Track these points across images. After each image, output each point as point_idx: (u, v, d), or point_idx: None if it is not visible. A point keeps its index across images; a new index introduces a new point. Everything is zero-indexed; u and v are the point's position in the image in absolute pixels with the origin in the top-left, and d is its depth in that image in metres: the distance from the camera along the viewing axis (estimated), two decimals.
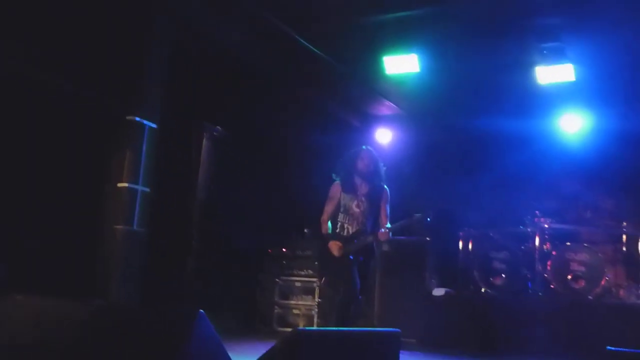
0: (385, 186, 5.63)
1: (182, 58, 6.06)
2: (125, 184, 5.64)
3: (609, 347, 2.81)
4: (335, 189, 5.61)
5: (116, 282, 5.40)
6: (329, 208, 5.59)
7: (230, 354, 3.03)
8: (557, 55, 6.70)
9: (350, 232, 5.46)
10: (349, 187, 5.55)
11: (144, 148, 5.79)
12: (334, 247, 5.39)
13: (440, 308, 7.75)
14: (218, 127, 5.11)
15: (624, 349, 2.79)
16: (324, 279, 6.02)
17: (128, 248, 5.58)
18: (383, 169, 5.65)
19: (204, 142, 5.15)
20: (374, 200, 5.51)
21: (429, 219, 5.45)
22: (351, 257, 5.32)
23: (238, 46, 6.47)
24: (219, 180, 5.83)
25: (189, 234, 4.97)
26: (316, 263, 5.50)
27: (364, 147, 5.77)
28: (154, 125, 5.87)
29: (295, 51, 7.03)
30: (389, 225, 5.48)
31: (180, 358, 2.70)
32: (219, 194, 6.12)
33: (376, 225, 5.53)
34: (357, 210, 5.48)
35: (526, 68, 7.18)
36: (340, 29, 6.97)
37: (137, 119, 5.74)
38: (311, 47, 7.08)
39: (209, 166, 5.19)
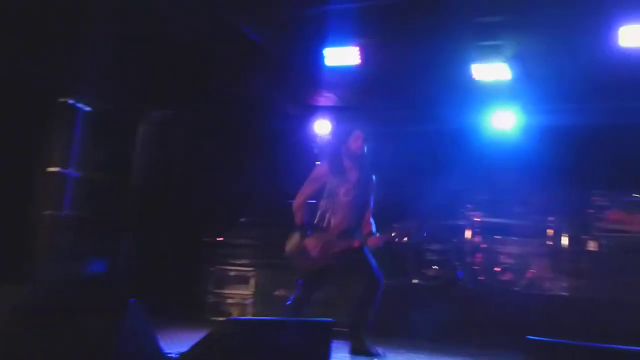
0: (374, 176, 4.88)
1: (119, 38, 5.91)
2: (56, 169, 5.49)
3: (528, 337, 2.94)
4: (321, 169, 4.77)
5: (45, 268, 5.26)
6: (307, 191, 4.69)
7: (162, 343, 3.01)
8: (493, 54, 6.90)
9: (332, 224, 4.61)
10: (337, 170, 4.69)
11: (78, 131, 5.65)
12: (314, 244, 4.53)
13: None
14: (156, 111, 5.01)
15: (543, 338, 2.92)
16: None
17: (58, 233, 5.45)
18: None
19: (141, 125, 5.04)
20: (363, 189, 4.70)
21: (425, 234, 4.92)
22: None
23: (177, 29, 6.36)
24: (156, 166, 5.73)
25: (124, 220, 4.87)
26: (283, 257, 4.48)
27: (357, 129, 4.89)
28: (88, 109, 5.73)
29: (235, 37, 6.96)
30: (375, 231, 4.66)
31: (111, 346, 2.67)
32: (155, 180, 6.03)
33: (361, 220, 4.71)
34: (344, 199, 4.61)
35: (463, 64, 7.35)
36: (282, 18, 6.95)
37: (70, 101, 5.59)
38: (252, 34, 7.04)
39: (146, 151, 5.09)
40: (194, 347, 2.95)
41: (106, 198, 5.91)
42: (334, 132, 5.27)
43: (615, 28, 6.36)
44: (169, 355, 3.31)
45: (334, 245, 4.56)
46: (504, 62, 6.92)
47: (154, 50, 6.35)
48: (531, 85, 7.71)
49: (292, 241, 4.69)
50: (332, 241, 4.57)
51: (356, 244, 4.58)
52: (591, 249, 7.15)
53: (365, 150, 4.78)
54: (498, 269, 7.71)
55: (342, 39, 7.18)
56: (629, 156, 7.79)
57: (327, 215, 4.60)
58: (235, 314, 8.21)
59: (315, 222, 4.63)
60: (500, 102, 8.36)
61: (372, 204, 4.82)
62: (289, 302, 4.69)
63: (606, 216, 4.79)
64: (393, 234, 4.62)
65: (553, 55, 7.01)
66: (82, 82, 5.72)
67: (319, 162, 4.89)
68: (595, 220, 7.42)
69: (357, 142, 4.77)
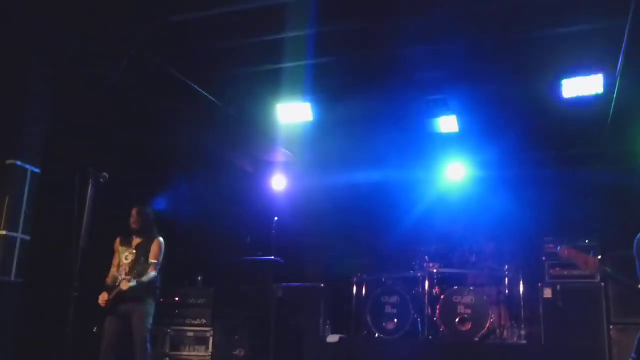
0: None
1: (66, 100, 5.87)
2: (4, 232, 5.34)
3: None
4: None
5: None
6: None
7: None
8: (441, 107, 7.09)
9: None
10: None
11: (26, 194, 5.53)
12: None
13: (334, 354, 7.76)
14: (105, 173, 4.96)
15: None
16: None
17: (4, 300, 5.25)
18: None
19: (90, 188, 4.96)
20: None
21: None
22: None
23: (125, 90, 6.36)
24: (105, 228, 5.62)
25: (71, 285, 4.73)
26: None
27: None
28: (36, 170, 5.63)
29: (186, 95, 6.99)
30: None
31: None
32: (104, 243, 5.90)
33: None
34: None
35: (415, 118, 7.52)
36: (235, 75, 7.03)
37: (19, 163, 5.48)
38: (203, 92, 7.07)
39: (94, 214, 4.99)
40: None
41: (52, 263, 5.75)
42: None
43: (558, 80, 6.62)
44: None
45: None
46: (453, 114, 7.11)
47: (102, 112, 6.33)
48: (479, 137, 7.92)
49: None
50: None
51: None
52: (546, 296, 7.22)
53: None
54: (457, 320, 7.70)
55: (294, 96, 7.28)
56: (577, 203, 8.00)
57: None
58: None
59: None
60: (452, 154, 8.54)
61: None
62: None
63: (559, 253, 4.85)
64: None
65: (499, 107, 7.23)
66: (30, 144, 5.62)
67: None
68: (549, 267, 7.55)
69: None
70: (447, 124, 7.34)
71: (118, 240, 5.99)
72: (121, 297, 5.59)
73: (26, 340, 5.55)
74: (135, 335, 5.64)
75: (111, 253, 6.03)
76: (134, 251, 5.87)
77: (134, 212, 5.95)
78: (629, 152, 7.66)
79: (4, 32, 5.41)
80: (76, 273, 4.54)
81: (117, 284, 5.65)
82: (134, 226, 5.92)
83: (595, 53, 6.12)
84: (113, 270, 5.92)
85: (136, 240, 5.94)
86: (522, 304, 7.92)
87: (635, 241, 4.54)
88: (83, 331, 4.85)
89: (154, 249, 5.87)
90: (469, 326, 7.65)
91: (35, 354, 5.82)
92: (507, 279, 8.20)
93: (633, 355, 4.33)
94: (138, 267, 5.75)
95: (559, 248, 4.86)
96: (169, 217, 8.33)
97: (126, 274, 5.73)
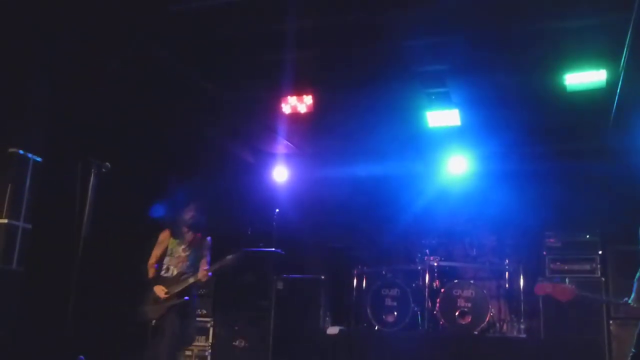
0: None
1: (68, 89, 5.87)
2: (5, 220, 5.35)
3: None
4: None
5: None
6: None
7: None
8: (443, 101, 7.07)
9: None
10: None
11: (28, 182, 5.54)
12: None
13: (334, 346, 7.78)
14: (107, 163, 4.95)
15: None
16: None
17: (5, 288, 5.26)
18: None
19: (92, 178, 4.95)
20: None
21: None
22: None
23: (127, 80, 6.34)
24: (106, 218, 5.62)
25: (72, 274, 4.72)
26: None
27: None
28: (38, 159, 5.63)
29: (188, 86, 6.97)
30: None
31: None
32: (106, 232, 5.92)
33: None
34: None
35: (416, 112, 7.50)
36: (236, 66, 7.01)
37: (21, 151, 5.49)
38: (205, 82, 7.06)
39: (95, 203, 4.98)
40: None
41: (53, 251, 5.77)
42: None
43: (561, 74, 6.59)
44: None
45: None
46: (455, 108, 7.09)
47: (104, 102, 6.33)
48: (481, 131, 7.91)
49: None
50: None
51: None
52: None
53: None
54: (457, 313, 7.71)
55: (295, 87, 7.27)
56: (579, 198, 8.00)
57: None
58: None
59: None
60: (453, 147, 8.53)
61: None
62: None
63: (535, 292, 4.81)
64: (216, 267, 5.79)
65: (502, 100, 7.22)
66: (32, 132, 5.62)
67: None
68: (549, 261, 7.55)
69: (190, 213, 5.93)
70: (450, 117, 7.32)
71: (169, 232, 5.95)
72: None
73: (27, 329, 5.56)
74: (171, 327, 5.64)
75: (113, 243, 6.05)
76: (189, 247, 5.88)
77: (193, 207, 5.95)
78: (632, 146, 7.64)
79: (5, 20, 5.40)
80: (77, 262, 4.54)
81: (172, 274, 5.77)
82: (190, 221, 5.91)
83: (598, 46, 6.09)
84: (155, 260, 5.89)
85: (189, 235, 5.94)
86: (522, 297, 7.94)
87: None
88: (84, 320, 4.86)
89: (206, 248, 5.96)
90: (469, 319, 7.66)
91: (36, 342, 5.83)
92: (507, 273, 8.22)
93: (632, 349, 4.34)
94: (194, 262, 5.83)
95: (536, 285, 4.80)
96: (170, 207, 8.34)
97: (182, 268, 5.78)
